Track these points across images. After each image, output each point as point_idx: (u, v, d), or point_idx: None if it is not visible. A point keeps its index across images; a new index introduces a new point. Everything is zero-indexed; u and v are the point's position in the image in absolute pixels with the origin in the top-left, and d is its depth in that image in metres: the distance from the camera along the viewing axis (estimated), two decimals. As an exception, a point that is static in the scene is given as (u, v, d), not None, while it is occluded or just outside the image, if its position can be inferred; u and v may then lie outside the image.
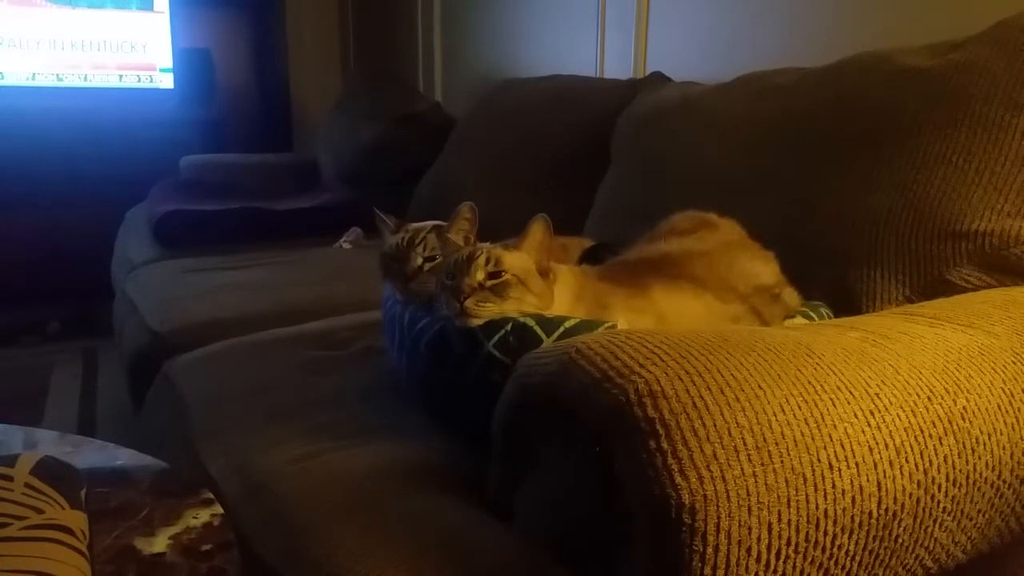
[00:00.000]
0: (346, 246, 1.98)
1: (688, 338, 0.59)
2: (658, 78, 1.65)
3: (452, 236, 0.89)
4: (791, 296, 0.90)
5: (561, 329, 0.75)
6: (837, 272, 0.96)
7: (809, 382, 0.56)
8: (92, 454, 0.69)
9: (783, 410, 0.53)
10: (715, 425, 0.51)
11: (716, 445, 0.51)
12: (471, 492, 0.75)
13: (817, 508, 0.52)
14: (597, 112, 1.65)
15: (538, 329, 0.76)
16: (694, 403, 0.52)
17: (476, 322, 0.77)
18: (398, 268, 0.92)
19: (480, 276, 0.77)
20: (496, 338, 0.76)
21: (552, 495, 0.65)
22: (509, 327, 0.76)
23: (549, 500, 0.66)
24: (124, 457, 0.68)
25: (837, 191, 1.00)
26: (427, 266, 0.91)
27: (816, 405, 0.54)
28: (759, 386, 0.54)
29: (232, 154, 2.96)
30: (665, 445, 0.51)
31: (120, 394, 2.17)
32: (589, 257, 1.03)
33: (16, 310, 2.79)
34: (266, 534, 0.72)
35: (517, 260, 0.79)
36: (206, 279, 1.67)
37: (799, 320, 0.86)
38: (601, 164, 1.56)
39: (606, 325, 0.75)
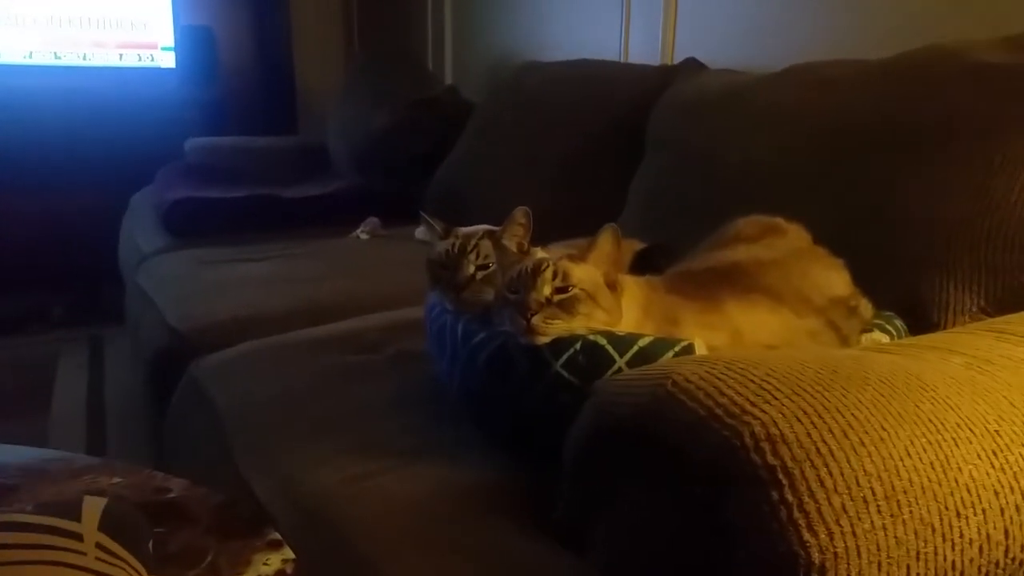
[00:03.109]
0: (363, 236, 1.92)
1: (796, 370, 0.54)
2: (693, 64, 1.59)
3: (506, 242, 0.84)
4: (866, 308, 0.85)
5: (635, 348, 0.71)
6: (906, 281, 0.91)
7: (929, 420, 0.52)
8: (142, 484, 0.65)
9: (909, 454, 0.49)
10: (842, 473, 0.47)
11: (845, 496, 0.47)
12: (534, 516, 0.71)
13: (945, 560, 0.48)
14: (628, 99, 1.59)
15: (610, 348, 0.71)
16: (817, 449, 0.48)
17: (543, 340, 0.72)
18: (448, 277, 0.87)
19: (547, 291, 0.73)
20: (564, 357, 0.72)
21: (633, 528, 0.62)
22: (578, 345, 0.72)
23: (629, 533, 0.62)
24: (176, 488, 0.64)
25: (904, 194, 0.95)
26: (480, 275, 0.86)
27: (940, 446, 0.51)
28: (882, 427, 0.50)
29: (238, 137, 2.88)
30: (790, 497, 0.46)
31: (128, 384, 2.13)
32: (643, 260, 0.98)
33: (18, 296, 2.73)
34: (326, 567, 0.68)
35: (585, 273, 0.74)
36: (223, 272, 1.61)
37: (877, 335, 0.82)
38: (632, 153, 1.50)
39: (682, 344, 0.71)
